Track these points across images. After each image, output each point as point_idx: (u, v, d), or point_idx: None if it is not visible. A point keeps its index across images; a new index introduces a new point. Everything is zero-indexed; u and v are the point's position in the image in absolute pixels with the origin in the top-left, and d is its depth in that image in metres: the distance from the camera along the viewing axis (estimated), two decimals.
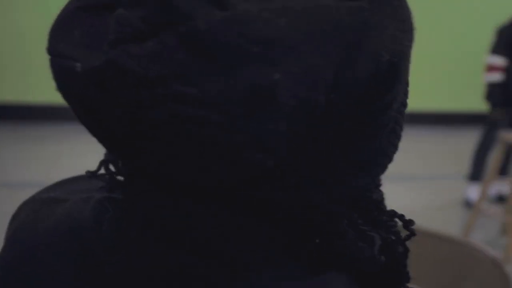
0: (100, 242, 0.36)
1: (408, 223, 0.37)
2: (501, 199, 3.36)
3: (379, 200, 0.37)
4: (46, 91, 4.08)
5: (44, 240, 0.38)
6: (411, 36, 0.32)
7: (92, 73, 0.29)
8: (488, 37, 3.68)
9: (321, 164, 0.31)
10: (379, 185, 0.38)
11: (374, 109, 0.31)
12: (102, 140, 0.33)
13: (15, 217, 0.44)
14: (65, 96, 0.32)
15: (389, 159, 0.35)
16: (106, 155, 0.40)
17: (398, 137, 0.35)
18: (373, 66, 0.30)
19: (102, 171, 0.41)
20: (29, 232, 0.40)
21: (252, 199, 0.32)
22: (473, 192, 3.26)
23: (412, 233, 0.37)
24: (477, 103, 4.60)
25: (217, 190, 0.31)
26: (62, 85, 0.32)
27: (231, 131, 0.28)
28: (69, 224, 0.38)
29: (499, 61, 3.11)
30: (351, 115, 0.30)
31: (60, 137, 3.85)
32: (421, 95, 4.25)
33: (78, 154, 3.35)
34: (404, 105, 0.35)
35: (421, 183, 3.60)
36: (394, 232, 0.37)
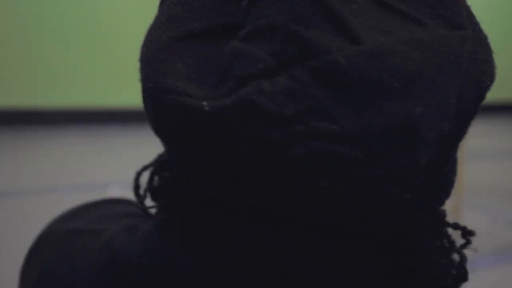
0: (155, 276, 0.33)
1: (469, 234, 0.37)
2: None
3: (445, 214, 0.37)
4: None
5: (87, 276, 0.35)
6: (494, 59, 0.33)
7: (223, 112, 0.27)
8: None
9: (434, 191, 0.32)
10: None
11: (464, 133, 0.32)
12: (200, 167, 0.30)
13: (34, 252, 0.40)
14: (170, 130, 0.30)
15: (456, 176, 0.35)
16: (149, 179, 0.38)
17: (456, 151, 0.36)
18: (477, 93, 0.30)
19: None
20: (66, 269, 0.36)
21: (368, 231, 0.31)
22: None
23: (469, 242, 0.37)
24: None
25: (335, 223, 0.31)
26: (172, 122, 0.29)
27: (371, 166, 0.27)
28: (113, 258, 0.35)
29: None
30: (455, 141, 0.31)
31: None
32: None
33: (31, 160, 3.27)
34: None
35: None
36: (452, 242, 0.37)
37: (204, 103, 0.27)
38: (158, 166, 0.39)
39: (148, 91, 0.29)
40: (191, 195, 0.33)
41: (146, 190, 0.38)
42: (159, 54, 0.30)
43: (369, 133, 0.27)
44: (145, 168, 0.41)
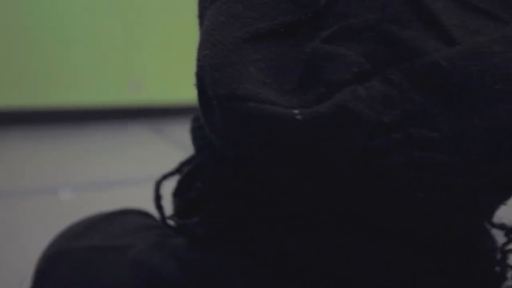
0: None
1: None
2: None
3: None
4: None
5: None
6: None
7: (318, 121, 0.25)
8: None
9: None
10: None
11: None
12: (278, 174, 0.28)
13: (46, 274, 0.36)
14: (246, 138, 0.27)
15: None
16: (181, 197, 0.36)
17: None
18: None
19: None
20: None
21: (436, 234, 0.30)
22: None
23: (510, 240, 0.36)
24: None
25: (407, 228, 0.29)
26: (252, 130, 0.27)
27: (473, 175, 0.26)
28: (147, 276, 0.33)
29: None
30: None
31: None
32: None
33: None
34: None
35: None
36: (496, 242, 0.36)
37: (295, 111, 0.25)
38: (187, 175, 0.36)
39: (220, 98, 0.27)
40: (243, 207, 0.31)
41: (179, 203, 0.36)
42: (227, 57, 0.27)
43: (471, 139, 0.25)
44: (165, 177, 0.39)
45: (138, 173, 2.39)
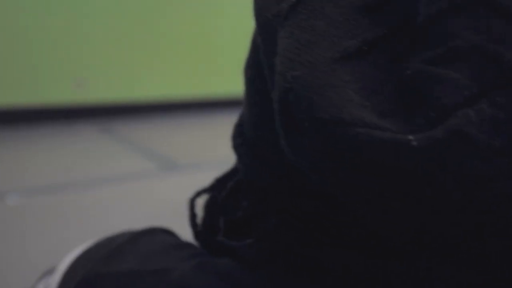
0: None
1: None
2: None
3: None
4: None
5: None
6: None
7: (433, 146, 0.25)
8: None
9: None
10: None
11: None
12: (363, 196, 0.28)
13: None
14: (340, 163, 0.27)
15: None
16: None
17: None
18: None
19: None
20: None
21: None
22: None
23: None
24: None
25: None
26: (356, 155, 0.26)
27: None
28: None
29: None
30: None
31: None
32: None
33: None
34: None
35: None
36: None
37: (410, 137, 0.25)
38: (229, 192, 0.35)
39: (320, 123, 0.26)
40: (306, 227, 0.30)
41: (225, 222, 0.34)
42: (320, 79, 0.26)
43: None
44: (198, 194, 0.37)
45: (88, 175, 2.32)
